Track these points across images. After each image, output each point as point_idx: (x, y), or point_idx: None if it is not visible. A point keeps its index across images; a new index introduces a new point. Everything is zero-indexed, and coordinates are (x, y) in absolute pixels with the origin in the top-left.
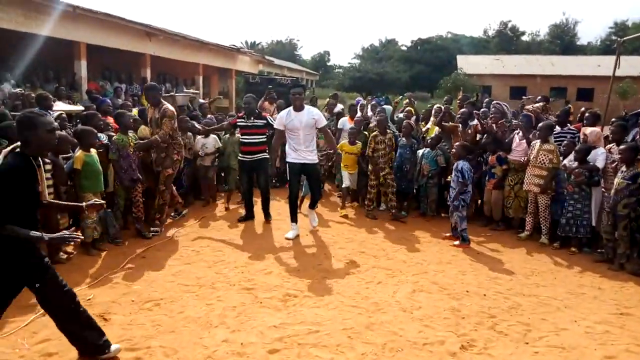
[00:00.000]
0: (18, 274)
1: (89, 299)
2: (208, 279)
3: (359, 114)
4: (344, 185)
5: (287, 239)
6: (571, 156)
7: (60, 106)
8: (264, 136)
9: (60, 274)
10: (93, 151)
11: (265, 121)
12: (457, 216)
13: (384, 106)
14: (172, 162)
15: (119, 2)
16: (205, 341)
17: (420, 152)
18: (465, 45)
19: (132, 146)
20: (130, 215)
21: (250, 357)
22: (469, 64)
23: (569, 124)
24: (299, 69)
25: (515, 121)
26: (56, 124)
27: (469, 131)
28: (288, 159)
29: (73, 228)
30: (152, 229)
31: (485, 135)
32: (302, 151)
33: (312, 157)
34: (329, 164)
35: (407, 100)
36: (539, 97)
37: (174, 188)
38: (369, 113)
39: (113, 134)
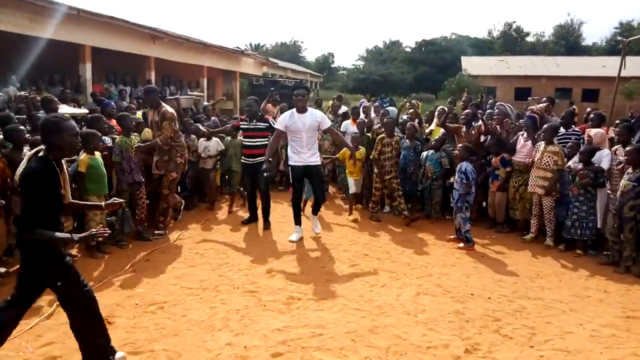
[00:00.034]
0: (43, 274)
1: None
2: (212, 282)
3: (362, 115)
4: (350, 192)
5: (291, 241)
6: (576, 158)
7: (64, 109)
8: (266, 139)
9: None
10: (97, 154)
11: (267, 124)
12: (461, 217)
13: (388, 108)
14: (175, 166)
15: (123, 5)
16: (209, 344)
17: (424, 154)
18: (470, 47)
19: (133, 149)
20: (133, 218)
21: None
22: (473, 65)
23: (573, 126)
24: (303, 70)
25: (521, 120)
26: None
27: (473, 132)
28: (290, 163)
29: (101, 225)
30: (156, 231)
31: (489, 136)
32: (304, 154)
33: (314, 160)
34: (330, 167)
35: (408, 103)
36: (544, 98)
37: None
38: (372, 115)
39: (117, 136)
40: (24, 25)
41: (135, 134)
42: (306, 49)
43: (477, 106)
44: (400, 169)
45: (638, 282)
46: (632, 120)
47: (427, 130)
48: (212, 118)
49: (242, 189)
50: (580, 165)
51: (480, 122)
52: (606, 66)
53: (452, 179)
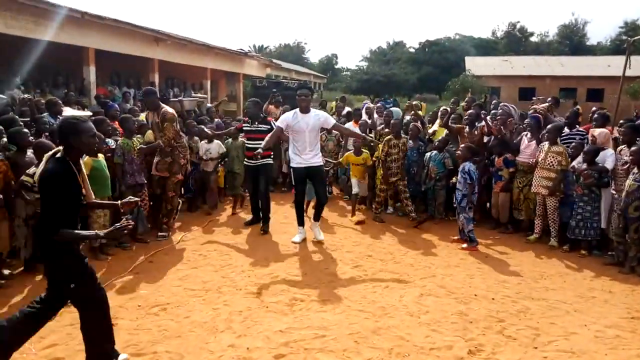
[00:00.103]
0: (62, 274)
1: None
2: (215, 284)
3: (364, 116)
4: (353, 192)
5: (294, 243)
6: (580, 158)
7: (68, 112)
8: None
9: None
10: (101, 156)
11: (269, 126)
12: (464, 217)
13: (392, 109)
14: (180, 168)
15: (126, 8)
16: (211, 346)
17: (427, 154)
18: (474, 47)
19: (136, 150)
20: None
21: None
22: (477, 65)
23: (577, 126)
24: (306, 72)
25: (526, 121)
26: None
27: (475, 133)
28: (292, 164)
29: (124, 218)
30: (159, 233)
31: (493, 137)
32: (306, 155)
33: (316, 161)
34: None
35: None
36: (549, 99)
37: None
38: (375, 116)
39: (120, 138)
40: (28, 28)
41: (138, 135)
42: (310, 50)
43: (480, 106)
44: (404, 169)
45: None
46: (637, 120)
47: (430, 131)
48: (216, 120)
49: (245, 190)
50: (584, 165)
51: (483, 122)
52: (611, 66)
53: (454, 179)
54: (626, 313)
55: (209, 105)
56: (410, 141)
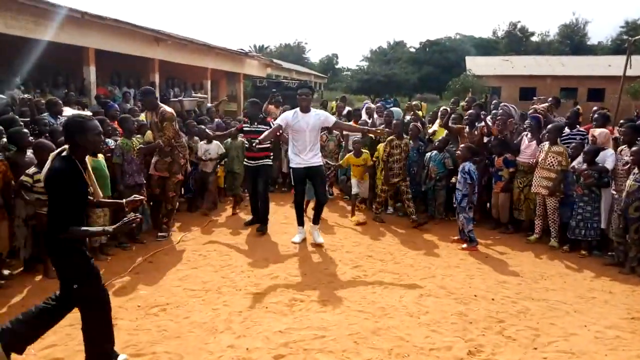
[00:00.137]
0: (68, 273)
1: None
2: (214, 284)
3: (364, 116)
4: (353, 192)
5: (294, 243)
6: (580, 158)
7: (68, 112)
8: (269, 141)
9: None
10: (100, 156)
11: (268, 126)
12: (464, 217)
13: (393, 109)
14: (180, 168)
15: (127, 8)
16: (211, 347)
17: (427, 154)
18: (474, 47)
19: (135, 150)
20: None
21: None
22: (477, 65)
23: (578, 126)
24: (307, 72)
25: (526, 122)
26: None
27: (475, 133)
28: (292, 165)
29: (132, 214)
30: (159, 234)
31: (493, 137)
32: (306, 154)
33: (316, 160)
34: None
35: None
36: (550, 98)
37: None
38: (375, 116)
39: (119, 138)
40: (28, 28)
41: (138, 136)
42: (310, 50)
43: (480, 107)
44: (406, 170)
45: None
46: (638, 120)
47: (430, 131)
48: (216, 120)
49: (244, 190)
50: (584, 166)
51: (483, 122)
52: (612, 65)
53: (454, 179)
54: (626, 314)
55: (209, 105)
56: (411, 141)
